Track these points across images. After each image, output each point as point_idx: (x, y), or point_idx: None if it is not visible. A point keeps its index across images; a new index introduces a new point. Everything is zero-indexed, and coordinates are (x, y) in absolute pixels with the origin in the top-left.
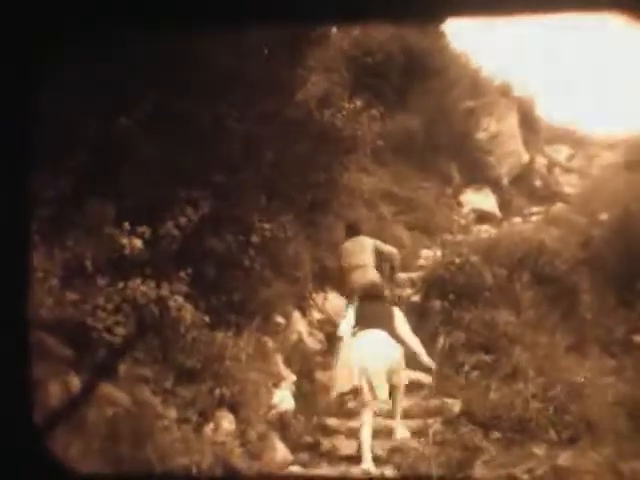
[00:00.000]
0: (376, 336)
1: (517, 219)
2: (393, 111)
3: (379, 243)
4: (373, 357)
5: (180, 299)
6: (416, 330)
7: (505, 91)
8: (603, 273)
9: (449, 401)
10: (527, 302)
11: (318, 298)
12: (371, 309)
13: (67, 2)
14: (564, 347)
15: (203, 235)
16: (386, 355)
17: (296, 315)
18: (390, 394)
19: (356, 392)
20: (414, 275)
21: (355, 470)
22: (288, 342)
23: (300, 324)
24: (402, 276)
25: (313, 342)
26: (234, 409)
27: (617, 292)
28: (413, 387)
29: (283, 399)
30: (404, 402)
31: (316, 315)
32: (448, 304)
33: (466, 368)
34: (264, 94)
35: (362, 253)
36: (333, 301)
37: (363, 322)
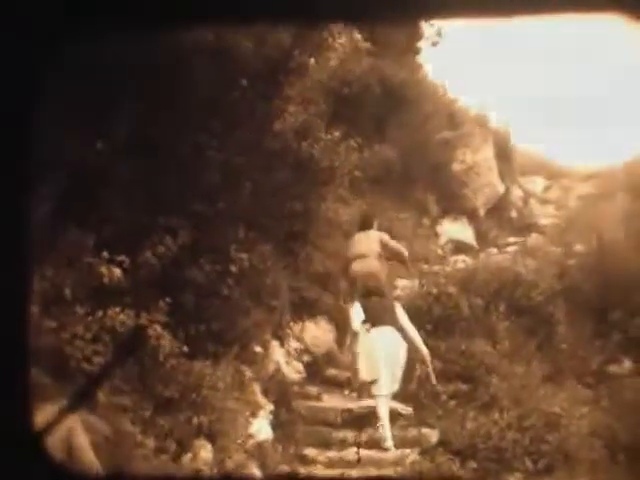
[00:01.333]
0: (388, 332)
1: (493, 250)
2: (370, 142)
3: (386, 237)
4: (393, 350)
5: (159, 328)
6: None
7: (481, 122)
8: (579, 304)
9: (427, 431)
10: (503, 332)
11: (296, 328)
12: (375, 305)
13: (67, 2)
14: (540, 377)
15: (182, 264)
16: (399, 349)
17: (274, 344)
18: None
19: (375, 383)
20: None
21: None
22: (266, 371)
23: (278, 353)
24: None
25: (291, 372)
26: (212, 438)
27: (593, 323)
28: (391, 417)
29: (261, 428)
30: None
31: (294, 344)
32: (425, 334)
33: (443, 397)
34: (243, 124)
35: (367, 244)
36: (311, 331)
37: (371, 318)
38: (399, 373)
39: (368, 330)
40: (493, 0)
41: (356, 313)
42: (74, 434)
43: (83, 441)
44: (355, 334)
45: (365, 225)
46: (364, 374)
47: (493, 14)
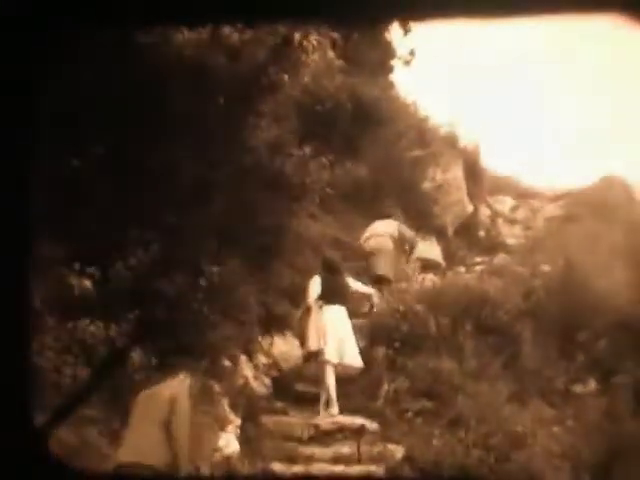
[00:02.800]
0: (337, 310)
1: (461, 269)
2: (342, 159)
3: (403, 226)
4: (341, 325)
5: (128, 340)
6: (360, 377)
7: (451, 142)
8: (544, 324)
9: (392, 447)
10: (469, 351)
11: (265, 342)
12: (333, 284)
13: (67, 2)
14: (505, 396)
15: (152, 277)
16: (347, 325)
17: (243, 359)
18: None
19: (321, 352)
20: (359, 321)
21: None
22: (234, 386)
23: (246, 368)
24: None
25: (259, 386)
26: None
27: (558, 343)
28: (357, 434)
29: (228, 442)
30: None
31: (262, 359)
32: (392, 351)
33: (409, 414)
34: (215, 139)
35: (385, 227)
36: (279, 346)
37: (327, 296)
38: (354, 347)
39: (320, 307)
40: (494, 1)
41: (314, 289)
42: (179, 399)
43: (185, 408)
44: (308, 308)
45: (387, 215)
46: (312, 344)
47: (493, 14)
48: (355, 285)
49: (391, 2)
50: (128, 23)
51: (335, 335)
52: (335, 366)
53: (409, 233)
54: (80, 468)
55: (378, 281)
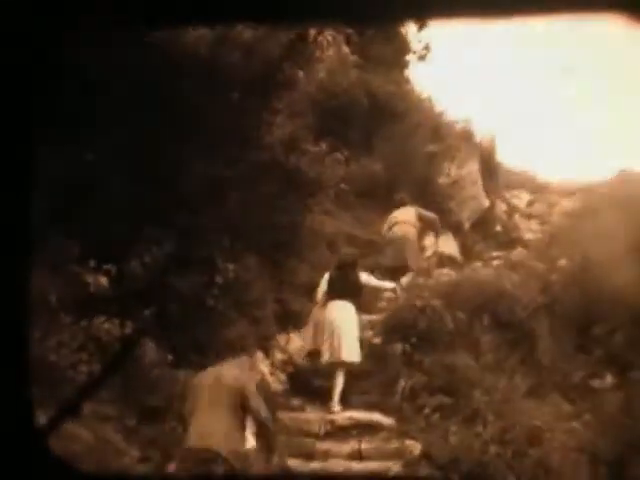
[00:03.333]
0: (343, 305)
1: (478, 264)
2: (357, 155)
3: (420, 209)
4: (345, 322)
5: (144, 337)
6: (377, 373)
7: (467, 137)
8: (561, 319)
9: (409, 443)
10: (486, 346)
11: (281, 339)
12: (342, 278)
13: (67, 2)
14: (522, 391)
15: (167, 274)
16: (352, 322)
17: (259, 355)
18: None
19: (318, 352)
20: (375, 317)
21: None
22: None
23: (262, 364)
24: (363, 318)
25: (275, 382)
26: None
27: (575, 337)
28: (373, 429)
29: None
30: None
31: (279, 356)
32: (409, 347)
33: (426, 411)
34: (231, 136)
35: (406, 214)
36: (295, 342)
37: (335, 291)
38: (353, 342)
39: (325, 304)
40: (493, 0)
41: (321, 287)
42: (247, 384)
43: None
44: (315, 301)
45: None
46: (307, 343)
47: (493, 15)
48: (370, 280)
49: (405, 2)
50: (136, 23)
51: (333, 331)
52: (335, 365)
53: (430, 216)
54: (80, 468)
55: (401, 270)
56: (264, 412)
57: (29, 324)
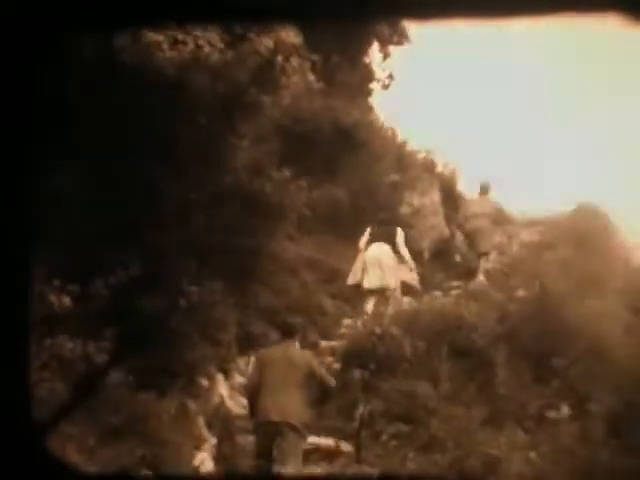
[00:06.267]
0: (381, 245)
1: (437, 292)
2: (320, 181)
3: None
4: (381, 256)
5: (106, 358)
6: (336, 398)
7: (429, 167)
8: (519, 349)
9: (367, 469)
10: (444, 374)
11: (241, 362)
12: (381, 230)
13: (67, 2)
14: (480, 420)
15: (132, 295)
16: (387, 256)
17: (219, 378)
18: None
19: (359, 285)
20: (335, 343)
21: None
22: (210, 405)
23: (222, 387)
24: (323, 344)
25: (235, 406)
26: (155, 470)
27: (532, 368)
28: (332, 455)
29: (203, 462)
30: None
31: (238, 379)
32: (368, 373)
33: (384, 437)
34: (197, 159)
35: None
36: None
37: (375, 238)
38: (388, 274)
39: (366, 248)
40: (495, 1)
41: (363, 238)
42: (314, 363)
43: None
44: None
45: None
46: (349, 279)
47: (493, 15)
48: (400, 238)
49: (391, 2)
50: (117, 23)
51: (375, 264)
52: (373, 292)
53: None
54: (80, 469)
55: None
56: (329, 380)
57: (29, 324)
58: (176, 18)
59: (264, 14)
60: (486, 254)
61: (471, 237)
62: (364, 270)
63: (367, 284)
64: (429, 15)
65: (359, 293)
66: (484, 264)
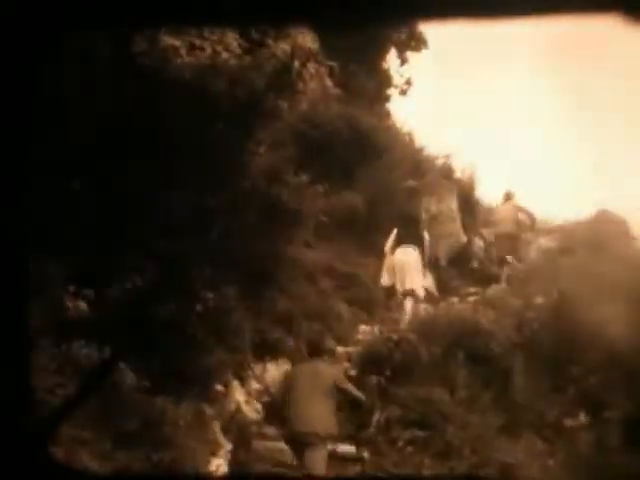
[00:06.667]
0: (407, 248)
1: (454, 299)
2: (337, 187)
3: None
4: (409, 258)
5: (122, 363)
6: (352, 404)
7: (446, 173)
8: (537, 356)
9: (383, 476)
10: (461, 381)
11: (257, 368)
12: (407, 232)
13: (67, 2)
14: (496, 427)
15: (148, 300)
16: (414, 257)
17: (235, 384)
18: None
19: (393, 287)
20: (351, 349)
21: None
22: (226, 411)
23: (238, 393)
24: (339, 350)
25: (250, 411)
26: (170, 475)
27: (550, 376)
28: (348, 462)
29: (219, 467)
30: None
31: (254, 385)
32: (384, 379)
33: (400, 443)
34: (214, 165)
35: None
36: (272, 372)
37: (401, 240)
38: (415, 274)
39: (392, 251)
40: (493, 1)
41: (389, 239)
42: (339, 376)
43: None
44: (384, 255)
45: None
46: (383, 280)
47: (493, 15)
48: (426, 237)
49: (403, 4)
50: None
51: (402, 268)
52: (404, 294)
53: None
54: (80, 469)
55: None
56: (355, 391)
57: (29, 325)
58: (178, 19)
59: (278, 16)
60: (508, 261)
61: (495, 243)
62: (394, 273)
63: (399, 287)
64: (437, 17)
65: (389, 295)
66: (507, 270)
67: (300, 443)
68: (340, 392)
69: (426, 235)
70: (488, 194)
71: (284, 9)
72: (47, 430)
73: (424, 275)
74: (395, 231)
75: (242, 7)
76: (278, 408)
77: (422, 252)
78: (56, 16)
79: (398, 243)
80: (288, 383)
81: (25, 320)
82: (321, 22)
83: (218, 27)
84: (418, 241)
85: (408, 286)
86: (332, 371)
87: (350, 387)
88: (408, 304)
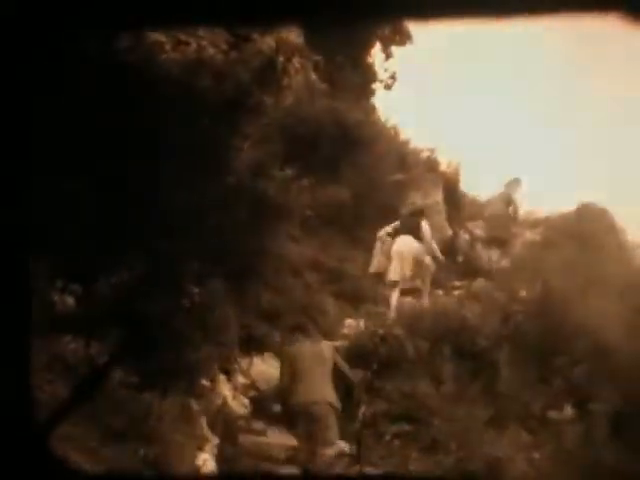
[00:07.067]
0: (405, 238)
1: (440, 292)
2: (323, 181)
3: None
4: (404, 249)
5: (108, 359)
6: (345, 390)
7: (432, 166)
8: (522, 349)
9: (369, 470)
10: (447, 375)
11: (244, 363)
12: (406, 221)
13: (67, 2)
14: (482, 421)
15: (134, 296)
16: (410, 249)
17: (221, 379)
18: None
19: (383, 274)
20: (338, 344)
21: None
22: (212, 405)
23: (225, 388)
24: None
25: (237, 406)
26: (157, 470)
27: (536, 368)
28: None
29: (205, 462)
30: None
31: (241, 380)
32: (370, 373)
33: (387, 438)
34: (201, 161)
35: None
36: (258, 366)
37: (400, 230)
38: (407, 267)
39: (388, 239)
40: (493, 1)
41: (387, 229)
42: (336, 354)
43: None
44: (379, 239)
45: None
46: (371, 268)
47: (493, 15)
48: (426, 232)
49: (393, 2)
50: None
51: (399, 257)
52: (395, 284)
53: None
54: (80, 469)
55: (494, 241)
56: (348, 371)
57: (30, 325)
58: (177, 19)
59: (266, 16)
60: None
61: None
62: (389, 261)
63: (393, 276)
64: (429, 16)
65: (380, 284)
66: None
67: (308, 415)
68: (337, 373)
69: (426, 226)
70: (472, 187)
71: (275, 10)
72: (47, 430)
73: (428, 267)
74: (398, 221)
75: (235, 8)
76: (283, 387)
77: (420, 240)
78: (56, 16)
79: (398, 232)
80: (292, 358)
81: (25, 320)
82: (312, 23)
83: (212, 28)
84: (416, 234)
85: (402, 274)
86: (331, 350)
87: (347, 370)
88: (394, 297)
